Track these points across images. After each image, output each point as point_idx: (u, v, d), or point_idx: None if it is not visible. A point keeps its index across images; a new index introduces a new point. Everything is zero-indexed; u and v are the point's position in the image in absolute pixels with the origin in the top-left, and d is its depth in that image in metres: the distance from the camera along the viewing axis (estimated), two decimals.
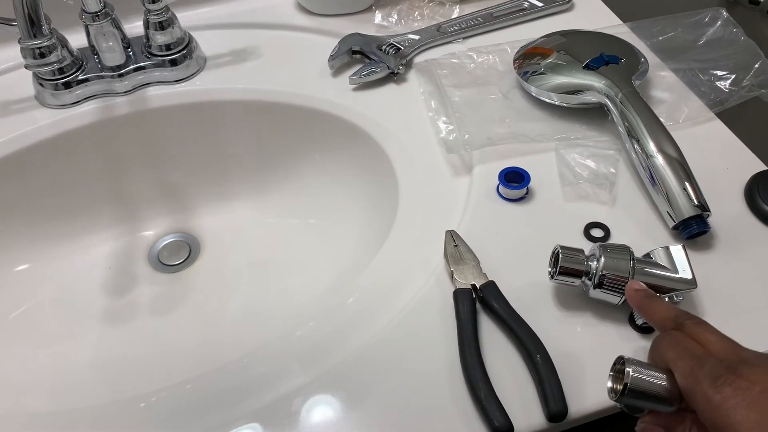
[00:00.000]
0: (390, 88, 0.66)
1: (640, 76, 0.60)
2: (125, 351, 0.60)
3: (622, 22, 0.70)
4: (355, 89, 0.65)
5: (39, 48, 0.57)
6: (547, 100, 0.60)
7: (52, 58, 0.58)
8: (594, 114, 0.60)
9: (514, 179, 0.54)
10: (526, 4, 0.72)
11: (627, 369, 0.36)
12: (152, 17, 0.62)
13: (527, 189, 0.54)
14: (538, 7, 0.72)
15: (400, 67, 0.65)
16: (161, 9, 0.62)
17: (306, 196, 0.68)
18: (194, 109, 0.66)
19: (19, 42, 0.57)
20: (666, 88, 0.63)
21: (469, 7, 0.73)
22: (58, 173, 0.64)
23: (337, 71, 0.67)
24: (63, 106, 0.63)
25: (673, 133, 0.54)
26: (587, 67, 0.60)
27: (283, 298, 0.63)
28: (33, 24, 0.55)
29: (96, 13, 0.59)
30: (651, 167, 0.52)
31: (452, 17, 0.71)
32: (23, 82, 0.65)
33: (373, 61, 0.66)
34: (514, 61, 0.64)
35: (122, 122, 0.65)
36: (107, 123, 0.64)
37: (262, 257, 0.66)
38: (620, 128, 0.56)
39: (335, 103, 0.64)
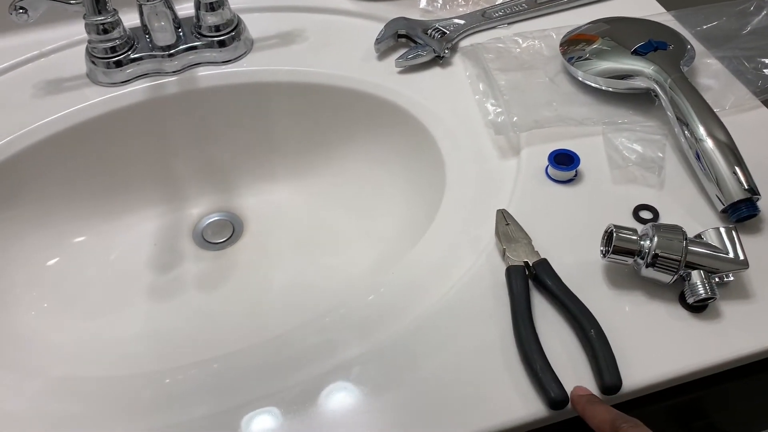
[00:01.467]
0: (435, 72, 0.66)
1: (687, 63, 0.60)
2: (170, 325, 0.61)
3: (665, 11, 0.70)
4: (401, 72, 0.66)
5: (103, 24, 0.59)
6: (594, 85, 0.61)
7: (115, 34, 0.60)
8: (640, 99, 0.60)
9: (564, 161, 0.54)
10: None
11: None
12: None
13: (576, 171, 0.55)
14: None
15: (446, 51, 0.66)
16: None
17: (350, 177, 0.69)
18: (241, 90, 0.67)
19: (84, 18, 0.58)
20: (712, 76, 0.63)
21: None
22: (108, 150, 0.66)
23: (382, 55, 0.68)
24: (114, 84, 0.65)
25: None
26: (635, 53, 0.60)
27: (326, 277, 0.63)
28: (98, 0, 0.57)
29: None
30: (701, 151, 0.53)
31: (497, 3, 0.71)
32: (75, 60, 0.66)
33: (419, 44, 0.66)
34: (560, 46, 0.64)
35: (171, 101, 0.66)
36: (156, 102, 0.65)
37: (306, 237, 0.67)
38: (669, 113, 0.56)
39: (381, 85, 0.65)
